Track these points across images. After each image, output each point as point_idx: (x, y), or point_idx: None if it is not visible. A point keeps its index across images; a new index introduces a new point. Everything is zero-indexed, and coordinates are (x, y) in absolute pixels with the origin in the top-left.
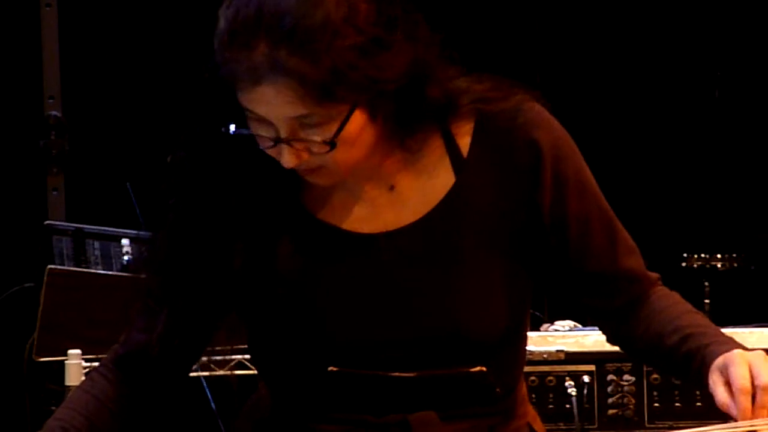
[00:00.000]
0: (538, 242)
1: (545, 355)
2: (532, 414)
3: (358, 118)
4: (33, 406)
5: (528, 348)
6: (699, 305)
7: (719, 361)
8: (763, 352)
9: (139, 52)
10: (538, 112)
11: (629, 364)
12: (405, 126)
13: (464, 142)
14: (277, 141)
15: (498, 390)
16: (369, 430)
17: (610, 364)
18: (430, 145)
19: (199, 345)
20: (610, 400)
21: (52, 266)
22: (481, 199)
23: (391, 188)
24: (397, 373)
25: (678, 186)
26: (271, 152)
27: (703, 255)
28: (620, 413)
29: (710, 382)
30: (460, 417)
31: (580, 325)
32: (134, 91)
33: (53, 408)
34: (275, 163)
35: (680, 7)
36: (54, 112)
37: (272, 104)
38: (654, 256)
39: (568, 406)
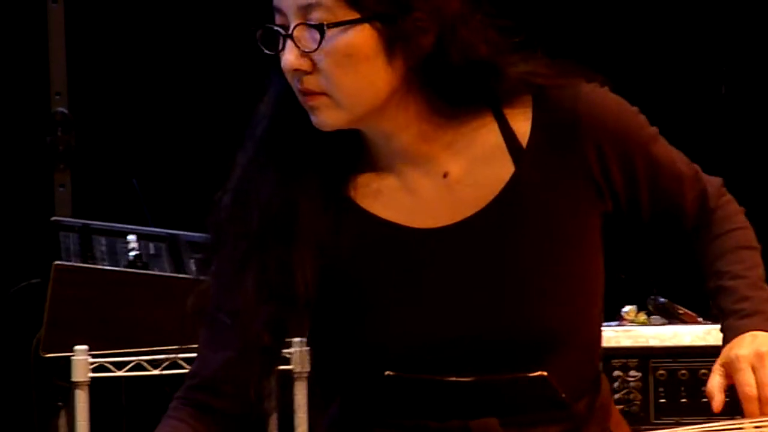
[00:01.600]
0: (608, 223)
1: None
2: (616, 420)
3: (366, 36)
4: (40, 403)
5: None
6: None
7: (727, 354)
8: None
9: (145, 49)
10: (595, 94)
11: (635, 360)
12: (443, 91)
13: (522, 129)
14: (285, 36)
15: (563, 396)
16: None
17: (616, 360)
18: (484, 130)
19: (276, 356)
20: (616, 396)
21: (59, 262)
22: (542, 191)
23: (445, 176)
24: (454, 378)
25: None
26: (281, 58)
27: None
28: (626, 409)
29: (713, 370)
30: (524, 424)
31: None
32: (141, 88)
33: (60, 404)
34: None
35: (686, 1)
36: (60, 109)
37: None
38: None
39: None
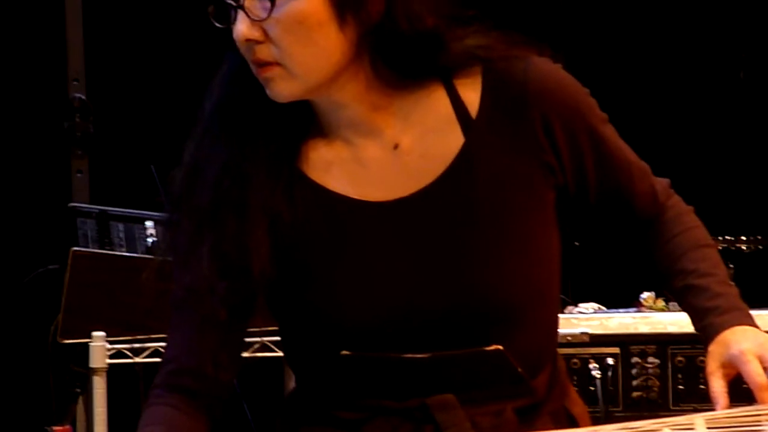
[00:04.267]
0: (557, 199)
1: (569, 338)
2: (571, 397)
3: (317, 2)
4: (57, 389)
5: None
6: None
7: (726, 353)
8: (760, 334)
9: (163, 35)
10: (544, 67)
11: (653, 347)
12: (392, 61)
13: (471, 99)
14: (236, 7)
15: (520, 370)
16: (390, 415)
17: (635, 347)
18: (434, 101)
19: (236, 333)
20: (634, 383)
21: (77, 248)
22: (493, 161)
23: (396, 147)
24: (410, 355)
25: (703, 168)
26: (233, 31)
27: (728, 237)
28: (645, 395)
29: (708, 370)
30: (482, 400)
31: (604, 308)
32: (159, 74)
33: (77, 390)
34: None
35: None
36: (78, 95)
37: None
38: None
39: (592, 388)
